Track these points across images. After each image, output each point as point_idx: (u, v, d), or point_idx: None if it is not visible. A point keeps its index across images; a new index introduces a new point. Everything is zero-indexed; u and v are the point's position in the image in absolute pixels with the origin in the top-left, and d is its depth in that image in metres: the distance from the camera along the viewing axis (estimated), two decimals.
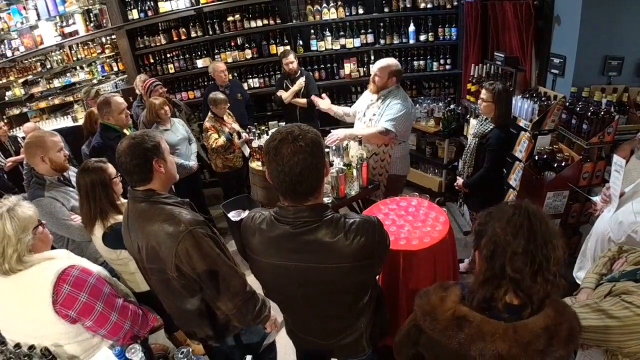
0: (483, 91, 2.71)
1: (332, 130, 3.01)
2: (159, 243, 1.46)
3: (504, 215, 1.09)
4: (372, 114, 3.05)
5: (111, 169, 2.06)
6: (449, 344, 1.12)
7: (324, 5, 4.42)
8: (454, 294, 1.18)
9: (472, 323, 1.10)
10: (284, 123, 4.57)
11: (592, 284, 1.60)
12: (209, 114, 3.86)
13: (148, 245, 1.49)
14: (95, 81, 5.23)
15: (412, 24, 4.42)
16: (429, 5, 4.36)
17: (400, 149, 3.15)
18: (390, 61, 3.01)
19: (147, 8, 4.52)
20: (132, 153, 1.48)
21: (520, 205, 1.10)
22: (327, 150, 2.93)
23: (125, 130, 3.02)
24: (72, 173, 2.48)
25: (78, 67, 5.18)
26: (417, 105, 4.28)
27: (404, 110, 2.91)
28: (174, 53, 4.81)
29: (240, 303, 1.53)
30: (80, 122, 4.29)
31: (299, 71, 4.22)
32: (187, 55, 4.80)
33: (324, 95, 3.60)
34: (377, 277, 1.83)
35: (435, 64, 4.56)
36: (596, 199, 2.21)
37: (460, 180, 3.03)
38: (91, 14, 4.73)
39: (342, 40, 4.53)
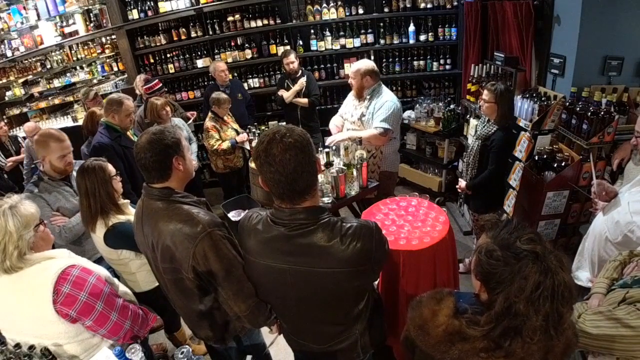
0: (485, 92, 2.71)
1: (331, 131, 3.02)
2: (176, 244, 1.43)
3: (527, 281, 1.00)
4: (361, 113, 3.13)
5: (110, 167, 2.06)
6: (441, 359, 1.10)
7: (324, 5, 4.42)
8: (447, 307, 1.15)
9: (465, 339, 1.07)
10: (284, 123, 4.58)
11: (603, 289, 1.58)
12: (210, 114, 3.86)
13: (163, 245, 1.46)
14: (95, 81, 5.23)
15: (412, 24, 4.42)
16: (429, 5, 4.36)
17: (390, 145, 3.22)
18: (361, 64, 3.09)
19: (147, 8, 4.52)
20: (151, 149, 1.44)
21: (547, 270, 1.00)
22: (327, 150, 2.94)
23: (127, 132, 3.02)
24: (74, 174, 2.49)
25: (78, 67, 5.18)
26: (417, 105, 4.29)
27: (393, 107, 3.02)
28: (174, 53, 4.81)
29: (254, 305, 1.50)
30: (80, 122, 4.29)
31: (300, 71, 4.23)
32: (187, 55, 4.81)
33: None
34: (375, 282, 1.83)
35: (435, 64, 4.57)
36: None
37: (462, 183, 3.03)
38: (91, 14, 4.73)
39: (342, 40, 4.54)
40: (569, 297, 1.03)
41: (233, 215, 2.95)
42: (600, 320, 1.35)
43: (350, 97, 3.29)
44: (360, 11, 4.43)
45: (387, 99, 3.02)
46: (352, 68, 3.13)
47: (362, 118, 3.12)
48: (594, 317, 1.36)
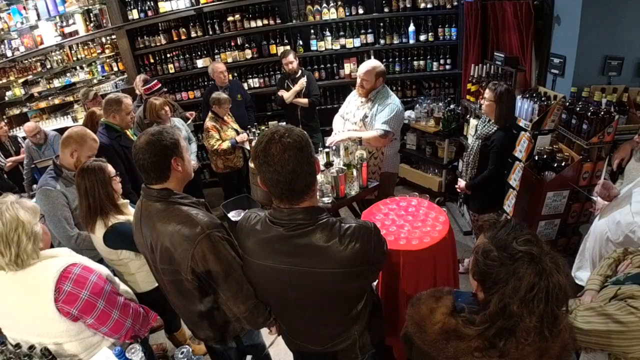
0: (486, 90, 2.74)
1: (332, 130, 3.01)
2: (175, 245, 1.43)
3: (522, 282, 1.00)
4: (364, 115, 3.10)
5: (110, 168, 2.06)
6: (437, 357, 1.11)
7: (324, 5, 4.42)
8: (444, 306, 1.16)
9: (460, 337, 1.08)
10: (284, 123, 4.58)
11: (596, 286, 1.59)
12: (210, 113, 3.86)
13: (162, 246, 1.46)
14: (95, 81, 5.23)
15: (412, 24, 4.42)
16: (429, 5, 4.36)
17: (391, 146, 3.21)
18: (374, 63, 3.07)
19: (147, 8, 4.52)
20: (150, 150, 1.43)
21: (542, 272, 1.00)
22: (327, 150, 2.94)
23: (127, 132, 3.02)
24: None
25: (78, 67, 5.18)
26: (417, 105, 4.29)
27: (396, 109, 3.00)
28: (174, 53, 4.81)
29: (253, 306, 1.50)
30: (80, 122, 4.29)
31: (300, 71, 4.23)
32: (187, 55, 4.81)
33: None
34: (374, 283, 1.82)
35: (435, 64, 4.57)
36: (596, 198, 2.21)
37: (462, 183, 3.03)
38: (91, 14, 4.73)
39: (342, 40, 4.54)
40: (563, 299, 1.03)
41: (233, 215, 2.96)
42: (591, 316, 1.36)
43: (353, 96, 3.25)
44: (360, 11, 4.43)
45: (390, 102, 3.00)
46: (364, 68, 3.01)
47: (364, 119, 3.10)
48: (585, 313, 1.37)
